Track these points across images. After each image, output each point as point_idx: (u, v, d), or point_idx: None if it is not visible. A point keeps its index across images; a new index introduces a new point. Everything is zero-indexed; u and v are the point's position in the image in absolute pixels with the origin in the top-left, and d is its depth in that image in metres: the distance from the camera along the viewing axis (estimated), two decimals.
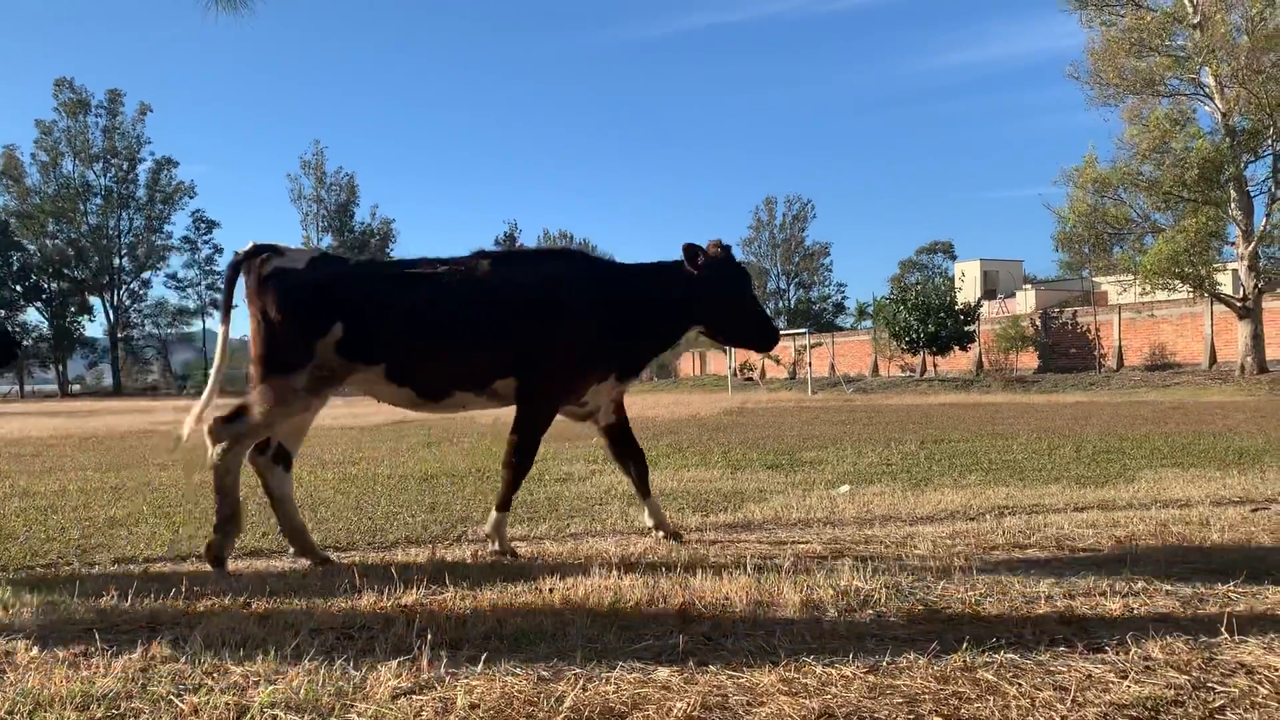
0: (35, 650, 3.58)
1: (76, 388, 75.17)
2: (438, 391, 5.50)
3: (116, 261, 78.95)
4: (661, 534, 5.96)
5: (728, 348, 38.90)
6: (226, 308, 5.40)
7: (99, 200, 77.99)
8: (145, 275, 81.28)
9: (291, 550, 5.64)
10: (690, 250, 5.65)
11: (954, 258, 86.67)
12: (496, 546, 5.54)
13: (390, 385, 5.43)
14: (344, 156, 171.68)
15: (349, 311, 5.25)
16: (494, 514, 5.59)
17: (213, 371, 5.51)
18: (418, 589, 4.48)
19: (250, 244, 5.41)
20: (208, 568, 5.24)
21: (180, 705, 2.94)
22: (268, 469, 5.60)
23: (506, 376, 5.49)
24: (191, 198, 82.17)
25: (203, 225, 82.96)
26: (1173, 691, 2.99)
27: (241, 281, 5.36)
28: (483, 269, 5.53)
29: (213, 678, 3.25)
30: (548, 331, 5.44)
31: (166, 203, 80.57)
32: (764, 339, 5.97)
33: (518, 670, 3.24)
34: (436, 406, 5.63)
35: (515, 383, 5.49)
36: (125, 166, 78.67)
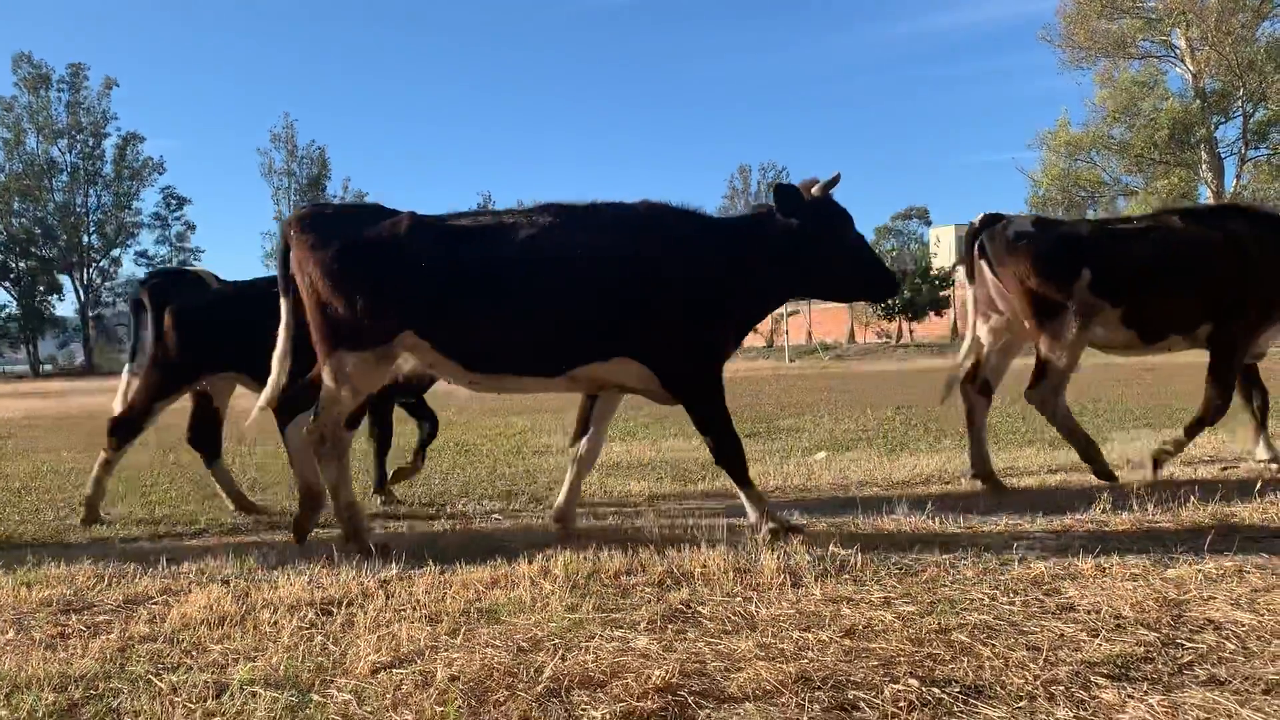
0: (12, 633, 3.57)
1: (49, 367, 74.27)
2: (1153, 334, 6.31)
3: (85, 239, 77.77)
4: None
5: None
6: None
7: (65, 177, 76.71)
8: (115, 253, 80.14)
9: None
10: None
11: (929, 223, 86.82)
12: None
13: (1122, 328, 6.22)
14: (314, 129, 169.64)
15: (1094, 260, 6.09)
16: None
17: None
18: (397, 564, 4.49)
19: (981, 215, 6.38)
20: (182, 545, 5.21)
21: (159, 684, 2.94)
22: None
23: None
24: (161, 173, 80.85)
25: (173, 201, 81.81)
26: (1143, 648, 3.04)
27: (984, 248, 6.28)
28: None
29: (191, 656, 3.25)
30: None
31: (135, 179, 79.24)
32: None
33: (496, 642, 3.26)
34: (1147, 349, 6.54)
35: None
36: (91, 142, 77.29)
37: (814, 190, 5.15)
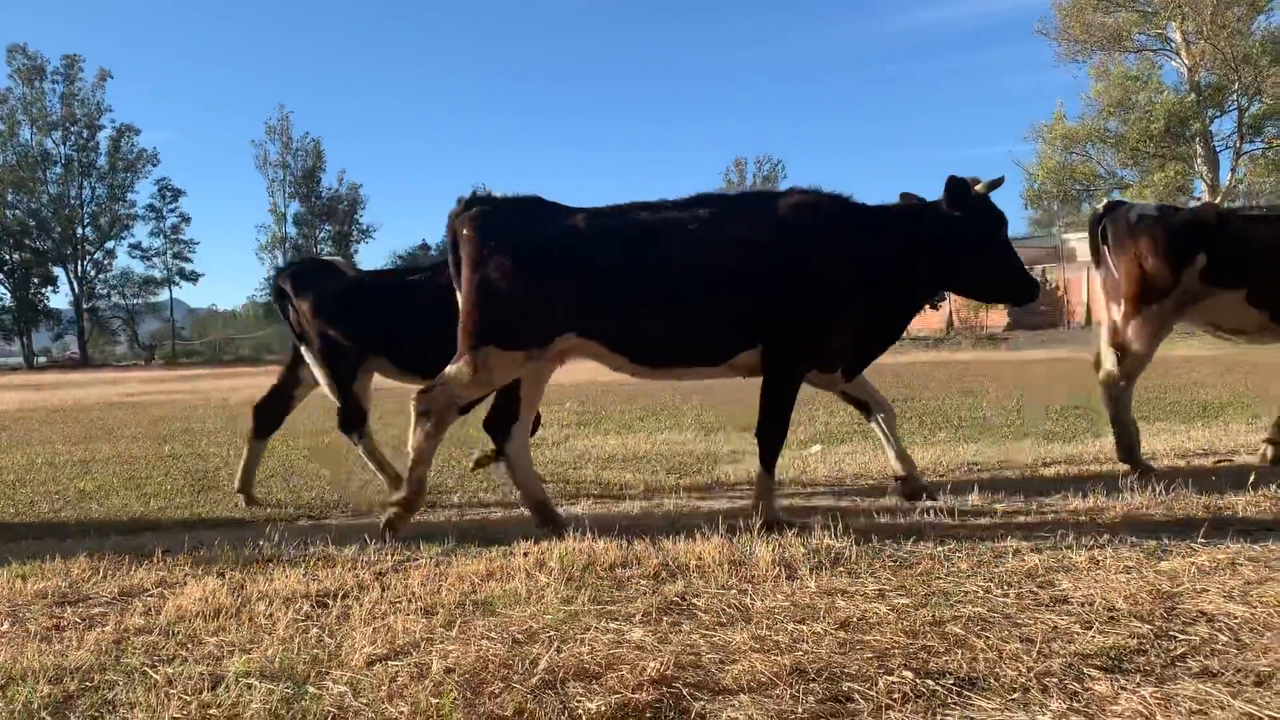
0: (6, 625, 3.57)
1: (43, 360, 74.10)
2: None
3: (79, 231, 77.49)
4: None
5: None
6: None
7: (59, 169, 76.42)
8: (109, 245, 79.86)
9: None
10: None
11: None
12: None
13: (1252, 310, 6.27)
14: (309, 121, 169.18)
15: (1212, 245, 6.16)
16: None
17: None
18: (392, 556, 4.49)
19: (1106, 200, 6.62)
20: (178, 539, 5.21)
21: (154, 677, 2.94)
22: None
23: None
24: (155, 165, 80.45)
25: (168, 193, 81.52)
26: (1136, 641, 3.06)
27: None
28: None
29: (187, 648, 3.25)
30: None
31: (129, 171, 78.93)
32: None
33: (492, 634, 3.26)
34: None
35: None
36: (85, 134, 76.99)
37: (978, 188, 5.23)
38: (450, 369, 4.99)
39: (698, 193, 5.28)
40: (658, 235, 5.06)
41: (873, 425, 5.89)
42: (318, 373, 6.67)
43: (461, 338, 5.00)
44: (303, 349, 6.71)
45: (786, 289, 5.01)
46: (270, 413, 7.04)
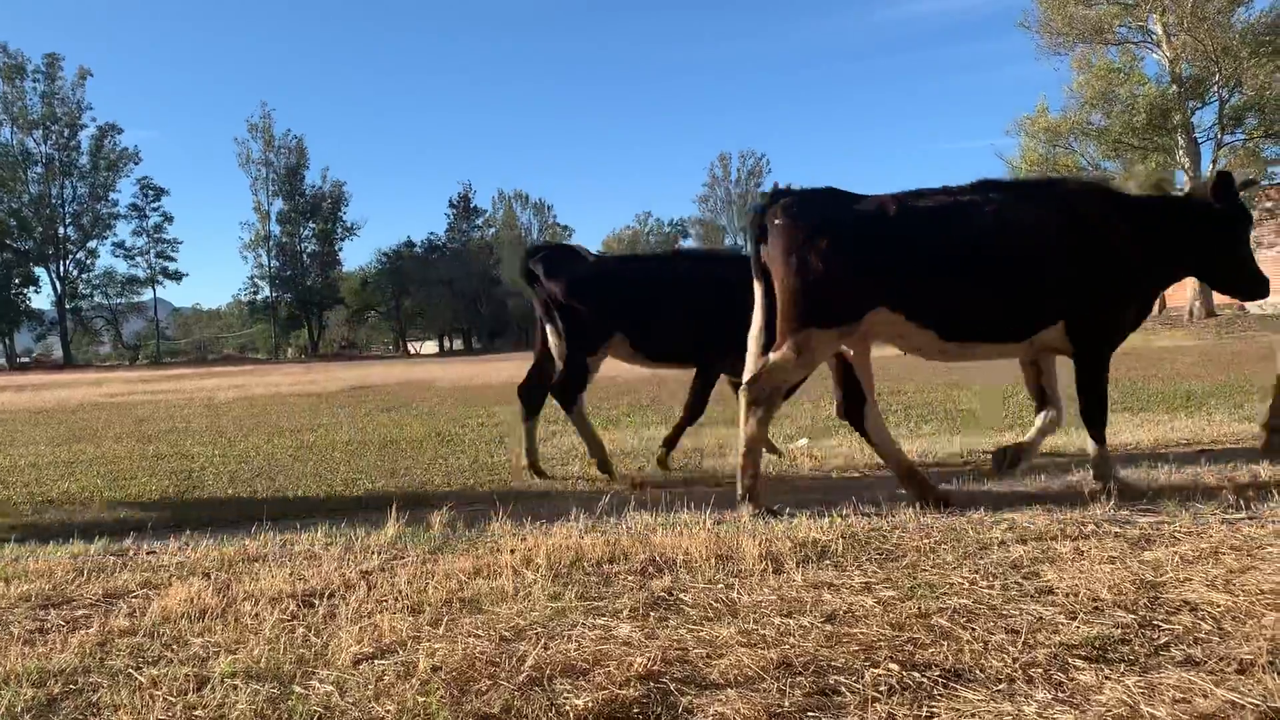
0: None
1: (27, 360, 73.59)
2: None
3: (61, 231, 77.01)
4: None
5: None
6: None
7: (40, 169, 75.90)
8: (92, 244, 79.38)
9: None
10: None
11: None
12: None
13: None
14: (292, 119, 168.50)
15: None
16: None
17: None
18: (379, 555, 4.48)
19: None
20: (163, 540, 5.18)
21: (139, 678, 2.93)
22: None
23: None
24: (137, 164, 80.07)
25: (150, 192, 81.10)
26: (1120, 630, 3.07)
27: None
28: None
29: (172, 650, 3.24)
30: None
31: (111, 170, 78.50)
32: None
33: (479, 632, 3.26)
34: None
35: None
36: (66, 133, 76.49)
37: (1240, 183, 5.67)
38: (773, 356, 5.34)
39: (980, 179, 5.67)
40: (963, 216, 5.41)
41: (1038, 419, 6.03)
42: (556, 347, 7.22)
43: (781, 324, 5.34)
44: (547, 327, 7.25)
45: (1087, 268, 5.37)
46: (534, 392, 7.53)
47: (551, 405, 7.52)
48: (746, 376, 5.44)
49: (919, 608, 3.35)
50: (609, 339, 7.17)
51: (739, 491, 5.36)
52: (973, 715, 2.51)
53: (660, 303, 7.14)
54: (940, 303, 5.35)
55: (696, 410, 7.50)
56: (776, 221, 5.36)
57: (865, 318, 5.34)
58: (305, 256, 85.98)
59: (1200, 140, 37.80)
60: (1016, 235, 5.35)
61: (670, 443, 7.59)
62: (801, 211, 5.36)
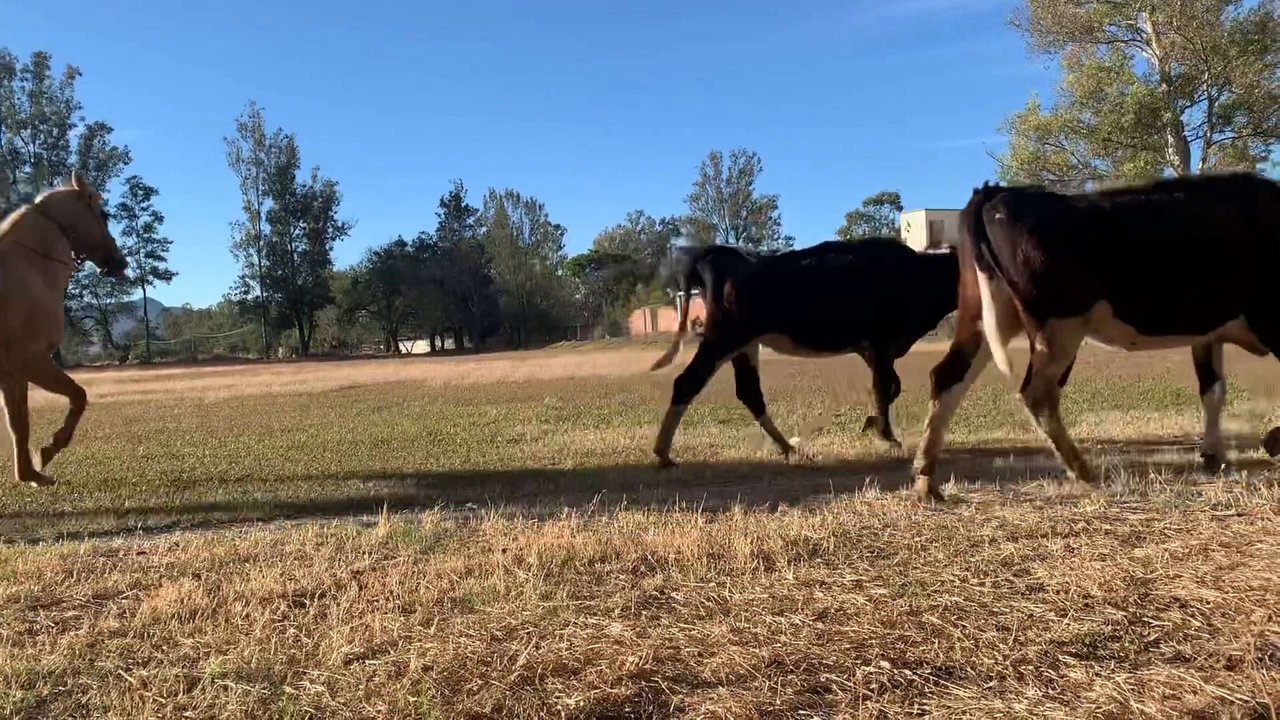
0: None
1: None
2: None
3: None
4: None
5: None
6: None
7: (29, 168, 75.57)
8: None
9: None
10: None
11: (900, 208, 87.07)
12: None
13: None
14: (283, 118, 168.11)
15: None
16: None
17: None
18: (370, 554, 4.47)
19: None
20: (153, 541, 5.16)
21: (129, 679, 2.91)
22: None
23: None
24: (126, 164, 79.79)
25: (140, 192, 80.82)
26: (1110, 627, 3.08)
27: None
28: None
29: (162, 651, 3.22)
30: None
31: (101, 169, 78.19)
32: None
33: (470, 631, 3.26)
34: None
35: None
36: (55, 133, 76.19)
37: None
38: (1034, 359, 5.55)
39: (1162, 177, 5.88)
40: (1167, 215, 5.59)
41: (1207, 397, 6.31)
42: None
43: (1027, 322, 5.48)
44: (690, 331, 7.95)
45: (1268, 262, 5.51)
46: (752, 392, 7.93)
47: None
48: (1009, 376, 5.47)
49: (910, 605, 3.36)
50: (760, 335, 7.62)
51: (1071, 475, 5.63)
52: (964, 712, 2.51)
53: (819, 298, 7.50)
54: (1146, 297, 5.52)
55: (887, 387, 7.87)
56: (999, 216, 5.47)
57: (1093, 309, 5.49)
58: (296, 256, 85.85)
59: (1190, 138, 37.99)
60: (1213, 232, 5.52)
61: (875, 421, 8.02)
62: (1019, 208, 5.50)
